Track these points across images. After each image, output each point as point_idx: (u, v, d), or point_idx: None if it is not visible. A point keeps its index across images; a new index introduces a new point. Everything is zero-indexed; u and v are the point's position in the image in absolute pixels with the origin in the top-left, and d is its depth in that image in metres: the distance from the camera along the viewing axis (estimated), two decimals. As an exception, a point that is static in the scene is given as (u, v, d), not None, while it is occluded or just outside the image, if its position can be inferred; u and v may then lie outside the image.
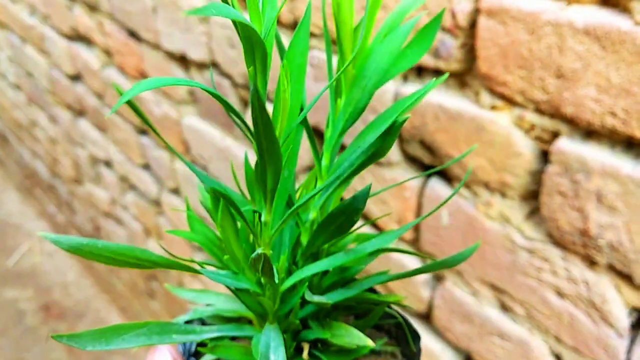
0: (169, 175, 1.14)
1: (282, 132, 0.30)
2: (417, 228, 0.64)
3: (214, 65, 0.84)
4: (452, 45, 0.53)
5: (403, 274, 0.34)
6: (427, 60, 0.56)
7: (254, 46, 0.28)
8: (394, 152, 0.63)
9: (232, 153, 0.90)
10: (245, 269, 0.35)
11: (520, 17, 0.47)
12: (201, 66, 0.88)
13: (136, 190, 1.34)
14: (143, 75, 1.07)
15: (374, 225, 0.69)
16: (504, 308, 0.58)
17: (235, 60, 0.79)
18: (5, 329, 1.80)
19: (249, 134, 0.30)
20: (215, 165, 0.96)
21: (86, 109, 1.41)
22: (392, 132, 0.29)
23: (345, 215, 0.31)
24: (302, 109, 0.32)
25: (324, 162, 0.34)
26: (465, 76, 0.54)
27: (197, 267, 0.34)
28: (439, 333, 0.67)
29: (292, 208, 0.30)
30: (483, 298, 0.60)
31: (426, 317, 0.68)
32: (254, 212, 0.32)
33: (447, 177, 0.59)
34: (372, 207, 0.68)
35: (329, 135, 0.34)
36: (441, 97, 0.56)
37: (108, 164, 1.44)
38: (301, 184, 0.37)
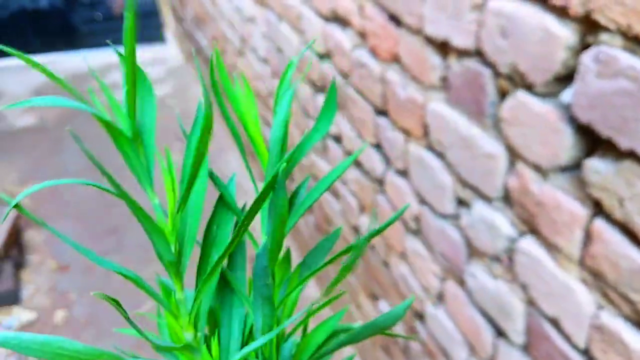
0: (400, 156, 1.18)
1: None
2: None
3: (479, 53, 0.85)
4: None
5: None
6: None
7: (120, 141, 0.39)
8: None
9: (476, 143, 0.90)
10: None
11: None
12: (462, 53, 0.90)
13: (361, 167, 1.42)
14: (395, 58, 1.12)
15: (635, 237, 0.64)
16: None
17: (504, 50, 0.79)
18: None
19: None
20: (455, 152, 0.97)
21: (327, 86, 1.52)
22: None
23: None
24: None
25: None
26: None
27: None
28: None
29: (201, 280, 0.36)
30: None
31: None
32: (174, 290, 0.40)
33: None
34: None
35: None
36: None
37: (337, 139, 1.53)
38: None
